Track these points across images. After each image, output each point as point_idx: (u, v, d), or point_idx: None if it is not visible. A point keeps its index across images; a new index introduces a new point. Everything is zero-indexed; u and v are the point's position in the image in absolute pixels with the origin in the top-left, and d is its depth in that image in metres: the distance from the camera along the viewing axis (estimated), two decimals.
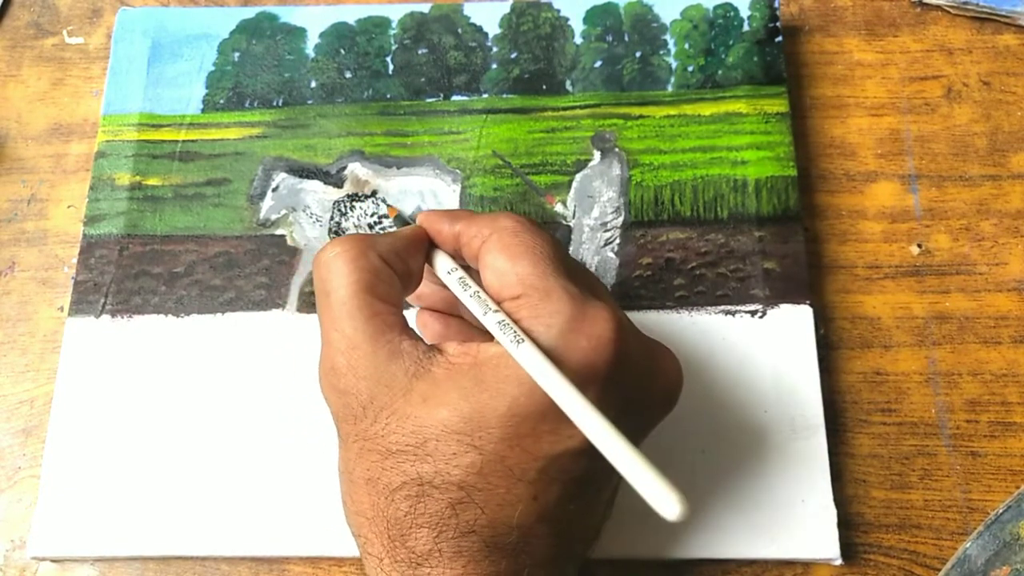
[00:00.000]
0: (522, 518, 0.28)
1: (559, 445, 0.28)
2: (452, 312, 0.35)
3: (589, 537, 0.33)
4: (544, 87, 0.45)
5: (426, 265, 0.33)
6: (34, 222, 0.44)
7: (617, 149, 0.44)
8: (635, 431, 0.31)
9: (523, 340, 0.27)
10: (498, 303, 0.29)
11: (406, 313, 0.31)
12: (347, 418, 0.30)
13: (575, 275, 0.30)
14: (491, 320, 0.28)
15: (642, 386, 0.30)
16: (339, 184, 0.44)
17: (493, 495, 0.28)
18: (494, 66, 0.46)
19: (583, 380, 0.27)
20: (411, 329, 0.30)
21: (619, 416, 0.28)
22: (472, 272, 0.31)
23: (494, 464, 0.27)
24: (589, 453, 0.28)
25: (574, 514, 0.30)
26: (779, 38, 0.45)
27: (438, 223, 0.32)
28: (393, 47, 0.46)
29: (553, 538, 0.29)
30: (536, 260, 0.29)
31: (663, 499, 0.24)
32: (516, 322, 0.28)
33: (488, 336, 0.29)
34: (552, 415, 0.27)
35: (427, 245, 0.32)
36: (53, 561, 0.38)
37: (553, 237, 0.31)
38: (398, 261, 0.31)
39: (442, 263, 0.32)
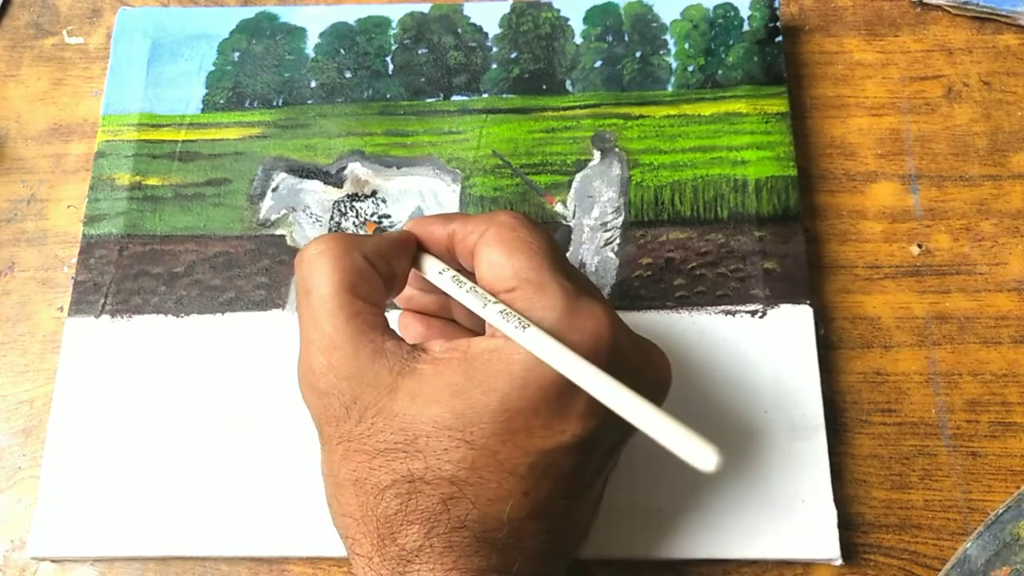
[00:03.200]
0: (513, 513, 0.28)
1: (551, 440, 0.28)
2: (437, 314, 0.35)
3: (578, 534, 0.33)
4: (544, 87, 0.45)
5: (414, 270, 0.33)
6: (34, 222, 0.44)
7: (617, 149, 0.44)
8: (624, 424, 0.31)
9: (528, 325, 0.27)
10: (493, 293, 0.29)
11: (389, 315, 0.31)
12: (328, 420, 0.29)
13: (571, 274, 0.30)
14: (492, 311, 0.28)
15: (634, 381, 0.30)
16: (339, 184, 0.44)
17: (484, 489, 0.28)
18: (494, 66, 0.46)
19: None
20: (393, 330, 0.30)
21: (606, 408, 0.28)
22: (465, 273, 0.31)
23: (486, 459, 0.28)
24: (580, 447, 0.28)
25: (564, 510, 0.30)
26: (779, 38, 0.45)
27: (430, 225, 0.32)
28: (393, 47, 0.46)
29: (543, 534, 0.29)
30: (532, 255, 0.29)
31: (697, 452, 0.24)
32: None
33: (472, 333, 0.29)
34: (544, 410, 0.27)
35: (414, 249, 0.32)
36: (53, 561, 0.38)
37: (551, 236, 0.30)
38: (382, 263, 0.31)
39: (431, 265, 0.32)
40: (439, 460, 0.28)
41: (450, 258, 0.32)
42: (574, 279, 0.30)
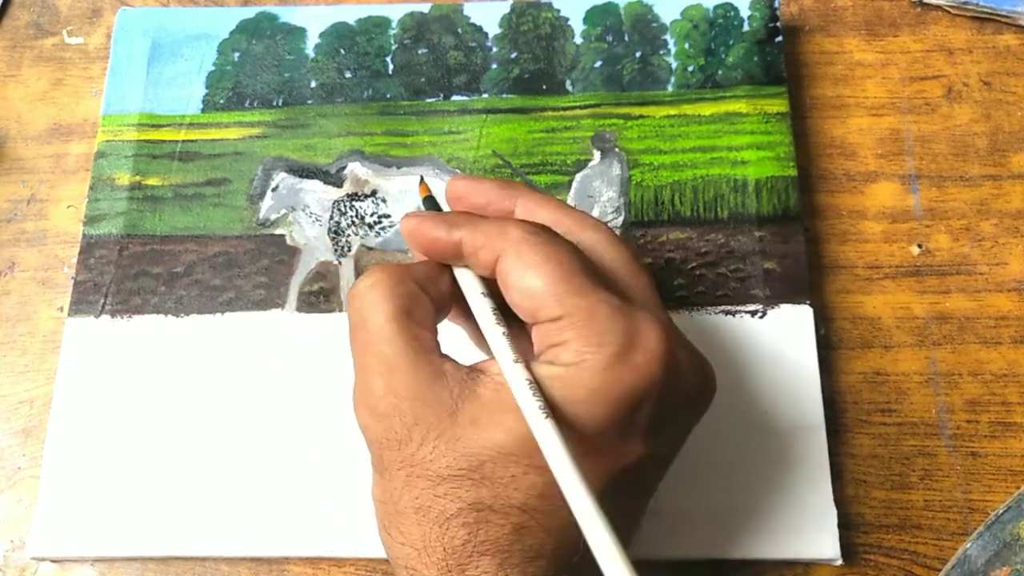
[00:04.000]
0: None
1: (620, 461, 0.27)
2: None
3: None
4: (544, 87, 0.45)
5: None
6: (34, 222, 0.44)
7: (617, 149, 0.44)
8: (681, 434, 0.31)
9: (549, 415, 0.26)
10: (534, 322, 0.28)
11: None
12: (390, 443, 0.28)
13: (603, 279, 0.29)
14: (517, 377, 0.27)
15: (690, 389, 0.29)
16: (339, 184, 0.44)
17: (557, 516, 0.27)
18: (494, 66, 0.46)
19: (642, 396, 0.27)
20: (448, 354, 0.29)
21: (666, 422, 0.28)
22: (487, 281, 0.30)
23: (556, 485, 0.26)
24: (644, 465, 0.28)
25: (629, 526, 0.29)
26: (779, 38, 0.45)
27: (432, 231, 0.30)
28: (393, 47, 0.46)
29: None
30: (565, 275, 0.27)
31: None
32: (562, 344, 0.27)
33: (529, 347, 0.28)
34: (611, 431, 0.27)
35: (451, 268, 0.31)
36: (53, 561, 0.38)
37: (573, 245, 0.29)
38: (432, 286, 0.30)
39: (469, 284, 0.30)
40: (507, 488, 0.27)
41: (458, 262, 0.31)
42: (610, 284, 0.29)
